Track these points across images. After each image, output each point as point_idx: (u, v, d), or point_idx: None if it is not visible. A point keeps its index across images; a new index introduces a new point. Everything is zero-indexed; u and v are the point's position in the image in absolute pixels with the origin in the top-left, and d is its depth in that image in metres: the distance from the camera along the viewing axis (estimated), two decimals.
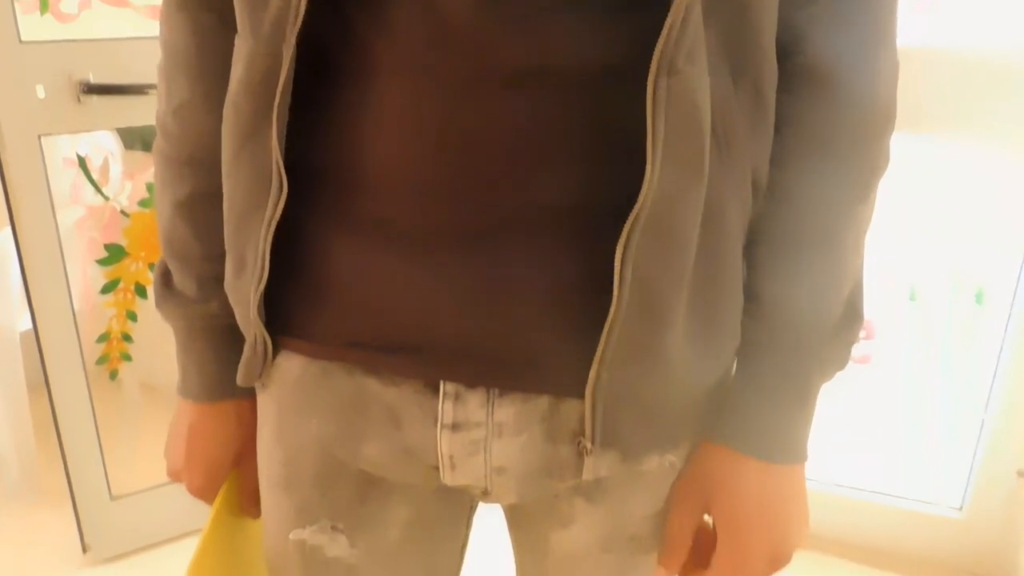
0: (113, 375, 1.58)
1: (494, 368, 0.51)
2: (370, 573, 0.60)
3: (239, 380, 0.58)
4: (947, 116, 1.41)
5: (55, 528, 1.75)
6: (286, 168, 0.50)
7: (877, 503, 1.67)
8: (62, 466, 1.58)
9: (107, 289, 1.52)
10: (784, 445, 0.54)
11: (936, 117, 1.40)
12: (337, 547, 0.59)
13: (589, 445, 0.51)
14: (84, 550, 1.67)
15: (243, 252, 0.54)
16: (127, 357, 1.58)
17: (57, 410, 1.52)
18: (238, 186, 0.53)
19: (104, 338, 1.55)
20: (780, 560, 0.55)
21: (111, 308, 1.53)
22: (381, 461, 0.55)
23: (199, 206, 0.60)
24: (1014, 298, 1.45)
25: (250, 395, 0.63)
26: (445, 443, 0.52)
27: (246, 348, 0.57)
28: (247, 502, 0.67)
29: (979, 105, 1.40)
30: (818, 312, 0.53)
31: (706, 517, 0.59)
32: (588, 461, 0.53)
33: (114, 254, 1.50)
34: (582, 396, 0.50)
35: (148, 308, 1.57)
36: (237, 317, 0.58)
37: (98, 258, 1.49)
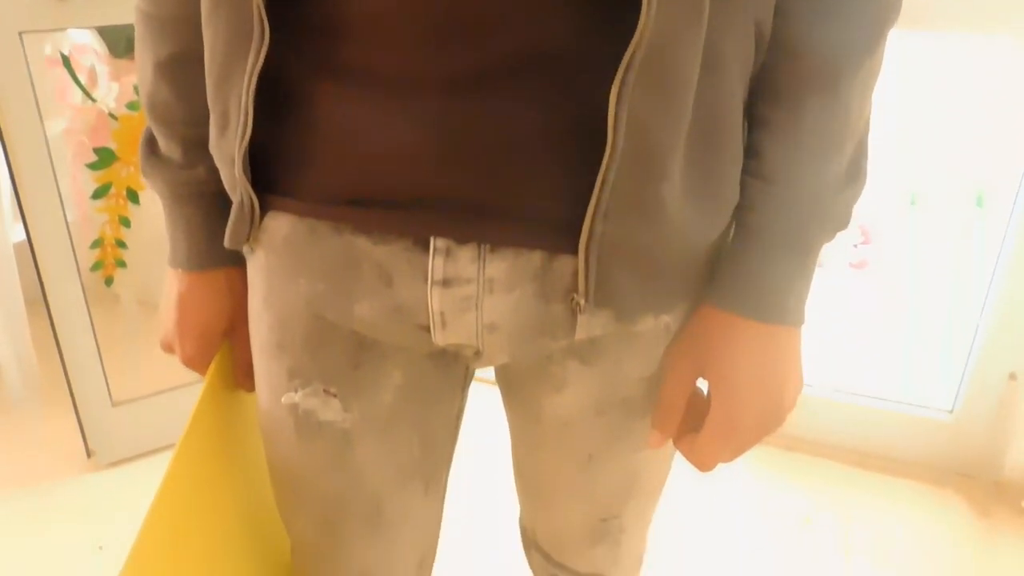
0: (108, 281, 1.57)
1: (485, 222, 0.50)
2: (364, 438, 0.61)
3: (227, 242, 0.57)
4: (950, 12, 1.37)
5: (59, 435, 1.77)
6: (267, 16, 0.48)
7: (869, 407, 1.69)
8: (63, 374, 1.59)
9: (98, 194, 1.50)
10: (782, 306, 0.54)
11: (938, 13, 1.35)
12: (330, 411, 0.59)
13: (582, 302, 0.51)
14: (88, 455, 1.70)
15: (226, 107, 0.53)
16: (122, 263, 1.57)
17: (55, 317, 1.52)
18: (219, 35, 0.51)
19: (97, 244, 1.54)
20: (773, 422, 0.56)
21: (103, 214, 1.52)
22: (372, 321, 0.54)
23: (181, 67, 0.58)
24: (1015, 200, 1.44)
25: (240, 264, 0.63)
26: (436, 300, 0.52)
27: (233, 209, 0.56)
28: (240, 375, 0.67)
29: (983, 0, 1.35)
30: (821, 168, 0.52)
31: (700, 383, 0.60)
32: (581, 319, 0.53)
33: (104, 158, 1.48)
34: (575, 252, 0.49)
35: (141, 214, 1.55)
36: (223, 179, 0.57)
37: (88, 162, 1.47)
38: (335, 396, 0.59)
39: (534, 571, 0.79)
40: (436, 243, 0.50)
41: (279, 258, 0.56)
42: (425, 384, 0.61)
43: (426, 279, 0.51)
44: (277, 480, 0.65)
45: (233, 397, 0.69)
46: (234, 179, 0.54)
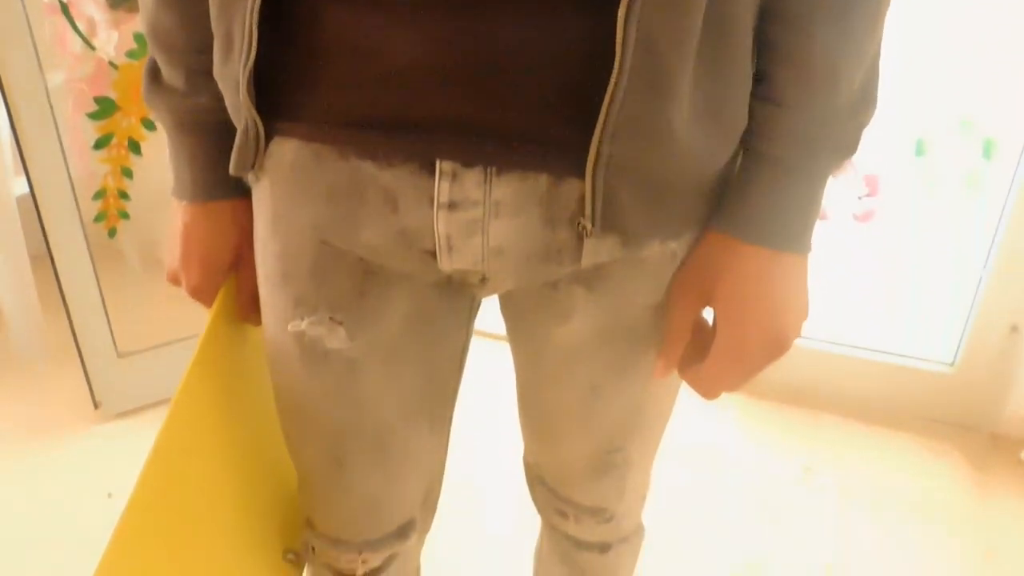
0: (111, 233, 1.57)
1: (491, 145, 0.50)
2: (370, 368, 0.61)
3: (231, 168, 0.57)
4: None
5: (66, 387, 1.79)
6: None
7: (869, 359, 1.69)
8: (68, 327, 1.60)
9: (100, 145, 1.49)
10: (789, 232, 0.54)
11: None
12: (336, 339, 0.59)
13: (589, 226, 0.51)
14: (95, 406, 1.71)
15: (230, 29, 0.52)
16: (124, 215, 1.57)
17: (59, 269, 1.53)
18: None
19: (100, 195, 1.54)
20: (778, 349, 0.56)
21: (105, 165, 1.51)
22: (378, 246, 0.54)
23: None
24: (1023, 152, 1.43)
25: (245, 196, 0.63)
26: (442, 223, 0.52)
27: (238, 135, 0.56)
28: (246, 308, 0.67)
29: None
30: (831, 93, 0.51)
31: (706, 315, 0.60)
32: (588, 244, 0.53)
33: (105, 108, 1.46)
34: (583, 176, 0.49)
35: (143, 165, 1.55)
36: (228, 105, 0.56)
37: (88, 112, 1.46)
38: (341, 324, 0.59)
39: (538, 507, 0.80)
40: (442, 166, 0.50)
41: (284, 185, 0.56)
42: (431, 315, 0.62)
43: (432, 203, 0.51)
44: (283, 410, 0.66)
45: (239, 331, 0.70)
46: (238, 104, 0.54)
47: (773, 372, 1.96)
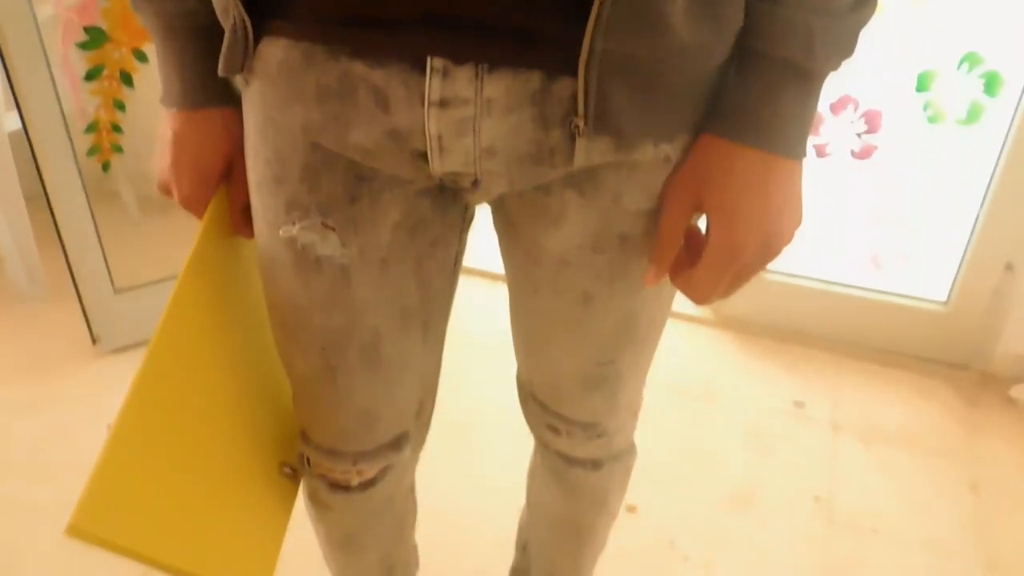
0: (105, 167, 1.56)
1: (483, 42, 0.49)
2: (362, 275, 0.61)
3: (220, 69, 0.56)
4: None
5: (65, 323, 1.80)
6: None
7: (863, 298, 1.70)
8: (64, 263, 1.60)
9: (91, 76, 1.47)
10: (784, 135, 0.53)
11: None
12: (328, 246, 0.59)
13: (581, 124, 0.51)
14: (94, 342, 1.72)
15: None
16: (118, 148, 1.56)
17: (53, 204, 1.52)
18: None
19: (93, 128, 1.52)
20: (770, 253, 0.56)
21: (96, 97, 1.49)
22: (369, 148, 0.54)
23: None
24: None
25: (235, 105, 0.62)
26: (433, 122, 0.51)
27: (226, 35, 0.55)
28: (238, 220, 0.67)
29: None
30: None
31: (700, 224, 0.60)
32: (580, 144, 0.52)
33: (95, 38, 1.44)
34: (575, 75, 0.49)
35: (135, 98, 1.53)
36: (216, 6, 0.56)
37: (78, 41, 1.43)
38: (333, 230, 0.59)
39: (531, 424, 0.81)
40: (433, 63, 0.50)
41: (274, 87, 0.55)
42: (423, 224, 0.62)
43: (423, 102, 0.51)
44: (276, 319, 0.66)
45: (230, 243, 0.69)
46: (227, 2, 0.53)
47: (768, 309, 1.97)
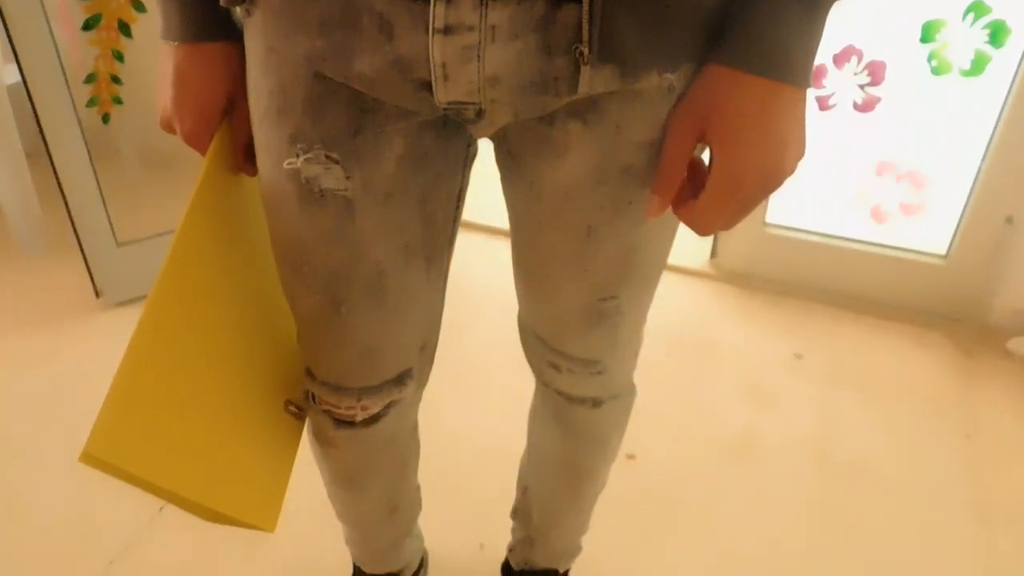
0: (105, 119, 1.55)
1: None
2: (366, 209, 0.62)
3: (223, 0, 0.56)
4: None
5: (68, 277, 1.81)
6: None
7: (863, 251, 1.71)
8: (67, 218, 1.60)
9: (89, 25, 1.46)
10: (788, 62, 0.53)
11: None
12: (332, 179, 0.60)
13: (586, 52, 0.51)
14: (97, 295, 1.73)
15: None
16: (118, 100, 1.55)
17: (54, 157, 1.52)
18: None
19: (92, 79, 1.51)
20: (773, 183, 0.56)
21: (95, 47, 1.48)
22: (373, 77, 0.54)
23: None
24: None
25: (235, 40, 0.62)
26: (437, 49, 0.51)
27: None
28: (241, 158, 0.68)
29: None
30: None
31: (703, 157, 0.60)
32: (584, 72, 0.52)
33: None
34: (580, 1, 0.49)
35: (134, 49, 1.52)
36: None
37: None
38: (337, 163, 0.59)
39: (532, 363, 0.82)
40: None
41: (277, 17, 0.55)
42: (427, 156, 0.62)
43: (427, 30, 0.51)
44: (281, 255, 0.67)
45: (234, 181, 0.70)
46: None
47: (768, 263, 1.98)
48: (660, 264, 0.71)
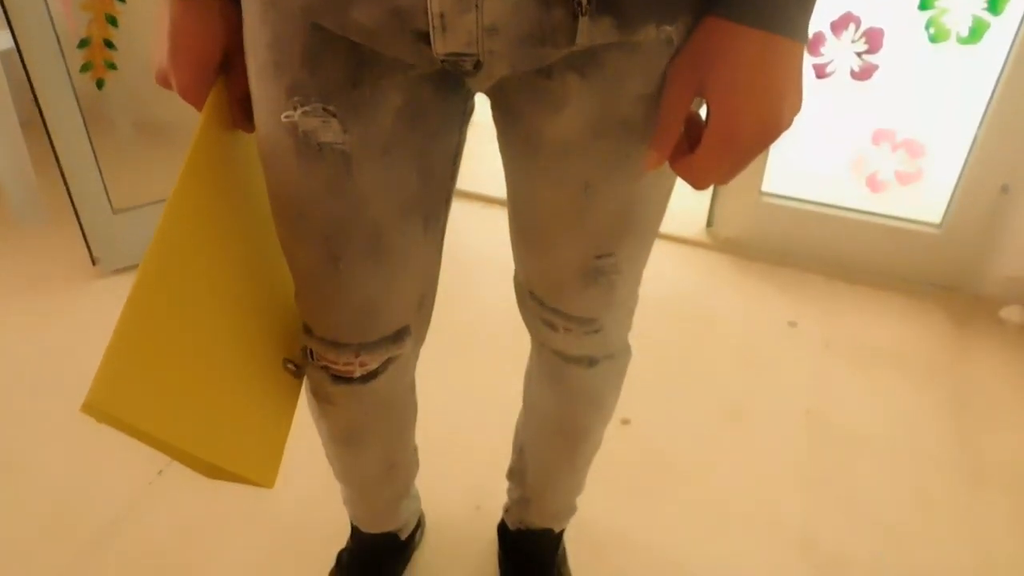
0: (100, 84, 1.55)
1: None
2: (363, 163, 0.62)
3: None
4: None
5: (64, 246, 1.81)
6: None
7: (858, 220, 1.71)
8: (62, 186, 1.60)
9: None
10: (785, 15, 0.53)
11: None
12: (330, 132, 0.60)
13: (584, 2, 0.51)
14: (93, 263, 1.73)
15: None
16: (112, 65, 1.54)
17: (48, 123, 1.51)
18: None
19: (85, 44, 1.50)
20: (769, 136, 0.56)
21: (88, 12, 1.47)
22: (370, 27, 0.54)
23: None
24: None
25: None
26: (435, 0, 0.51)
27: None
28: (237, 114, 0.67)
29: None
30: None
31: (700, 113, 0.60)
32: (582, 23, 0.52)
33: None
34: None
35: (128, 13, 1.51)
36: None
37: None
38: (334, 116, 0.59)
39: (528, 322, 0.83)
40: None
41: None
42: (424, 111, 0.62)
43: None
44: (279, 210, 0.67)
45: (231, 136, 0.69)
46: None
47: (763, 232, 1.98)
48: (656, 221, 0.71)
